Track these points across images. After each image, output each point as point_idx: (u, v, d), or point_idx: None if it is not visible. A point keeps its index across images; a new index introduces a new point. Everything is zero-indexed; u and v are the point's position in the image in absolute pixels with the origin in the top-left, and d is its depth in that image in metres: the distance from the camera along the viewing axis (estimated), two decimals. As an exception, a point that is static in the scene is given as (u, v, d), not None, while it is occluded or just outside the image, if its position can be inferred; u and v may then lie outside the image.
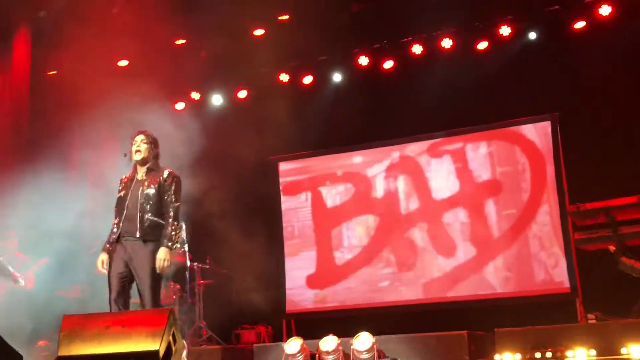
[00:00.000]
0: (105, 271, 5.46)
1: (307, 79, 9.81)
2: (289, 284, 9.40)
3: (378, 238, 9.08)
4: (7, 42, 9.34)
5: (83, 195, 8.63)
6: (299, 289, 9.35)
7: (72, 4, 8.88)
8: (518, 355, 6.25)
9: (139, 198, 5.46)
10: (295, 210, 9.65)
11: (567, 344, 6.15)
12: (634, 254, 6.69)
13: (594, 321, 6.81)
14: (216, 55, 9.84)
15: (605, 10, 8.26)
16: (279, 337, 8.80)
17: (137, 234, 5.37)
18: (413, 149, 9.17)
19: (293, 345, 6.90)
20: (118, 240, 5.46)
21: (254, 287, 9.24)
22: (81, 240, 8.15)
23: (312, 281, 9.31)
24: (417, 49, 9.17)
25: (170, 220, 5.44)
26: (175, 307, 8.39)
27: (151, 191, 5.48)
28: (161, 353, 3.87)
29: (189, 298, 8.83)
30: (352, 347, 6.71)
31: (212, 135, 9.50)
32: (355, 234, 9.23)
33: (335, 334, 6.93)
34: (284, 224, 9.64)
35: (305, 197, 9.64)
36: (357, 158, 9.44)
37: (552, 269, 8.21)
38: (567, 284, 8.06)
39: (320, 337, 6.96)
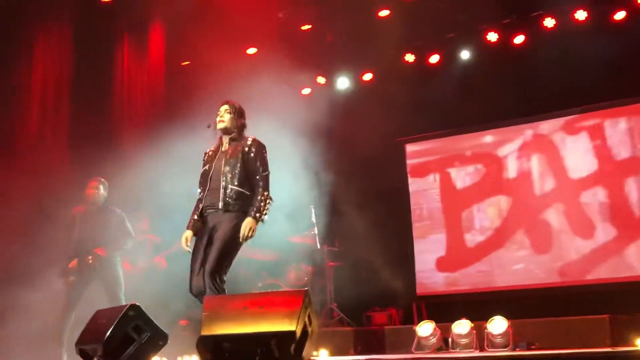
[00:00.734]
0: (189, 249, 5.27)
1: (434, 58, 9.67)
2: (418, 266, 9.35)
3: (511, 220, 8.86)
4: (144, 35, 9.79)
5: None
6: (429, 272, 9.29)
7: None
8: (665, 342, 5.93)
9: (222, 169, 5.26)
10: (424, 192, 9.58)
11: None
12: None
13: None
14: (341, 38, 9.90)
15: None
16: (410, 319, 8.78)
17: (220, 205, 5.18)
18: (547, 126, 8.86)
19: (425, 328, 6.87)
20: (202, 214, 5.31)
21: (383, 269, 9.28)
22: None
23: (443, 264, 9.22)
24: (549, 22, 8.83)
25: (260, 190, 5.22)
26: (307, 288, 8.55)
27: (234, 161, 5.27)
28: (298, 334, 3.95)
29: (320, 280, 8.98)
30: (486, 331, 6.60)
31: (338, 118, 9.60)
32: (486, 215, 9.05)
33: (467, 317, 6.84)
34: (412, 207, 9.59)
35: (433, 179, 9.55)
36: (487, 137, 9.24)
37: (702, 250, 7.73)
38: None
39: (451, 320, 6.89)
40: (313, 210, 8.98)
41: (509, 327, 6.53)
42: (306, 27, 9.92)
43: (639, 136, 8.32)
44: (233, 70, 8.87)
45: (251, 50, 9.99)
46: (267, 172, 5.32)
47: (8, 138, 8.45)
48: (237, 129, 5.43)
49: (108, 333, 4.52)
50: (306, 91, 10.41)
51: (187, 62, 10.08)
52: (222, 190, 5.20)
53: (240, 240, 5.08)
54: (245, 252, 8.76)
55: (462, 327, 6.74)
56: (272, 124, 8.79)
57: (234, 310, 4.12)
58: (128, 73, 9.66)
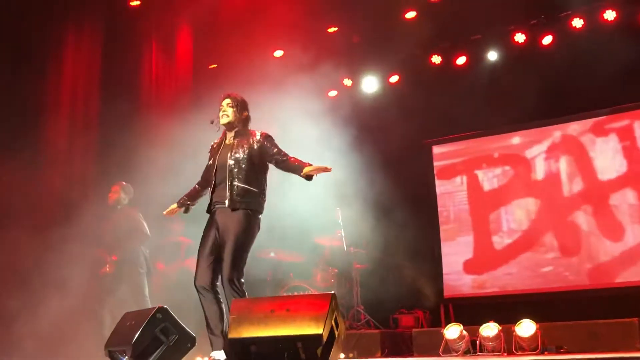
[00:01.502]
0: (164, 213, 5.52)
1: (461, 60, 9.61)
2: (445, 269, 9.30)
3: (539, 222, 8.78)
4: (172, 38, 9.86)
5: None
6: (456, 274, 9.23)
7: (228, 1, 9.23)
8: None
9: (227, 163, 5.15)
10: (451, 194, 9.52)
11: None
12: None
13: None
14: (368, 40, 9.89)
15: None
16: (437, 322, 8.74)
17: (226, 203, 5.07)
18: (575, 128, 8.77)
19: (453, 331, 6.83)
20: (210, 210, 5.23)
21: (410, 271, 9.26)
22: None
23: (470, 266, 9.16)
24: (577, 22, 8.73)
25: (290, 156, 5.17)
26: (333, 291, 8.55)
27: (240, 155, 5.16)
28: (324, 337, 3.95)
29: (346, 282, 8.97)
30: (514, 334, 6.54)
31: (365, 120, 9.58)
32: (514, 217, 8.97)
33: (495, 320, 6.78)
34: (439, 209, 9.54)
35: (460, 181, 9.49)
36: (515, 139, 9.16)
37: None
38: None
39: (479, 323, 6.84)
40: (340, 212, 8.97)
41: (537, 330, 6.47)
42: (332, 29, 9.91)
43: (669, 137, 8.20)
44: (260, 73, 8.90)
45: (278, 53, 10.01)
46: (284, 152, 5.22)
47: (38, 139, 8.56)
48: (241, 123, 5.32)
49: (136, 335, 4.55)
50: (332, 93, 10.41)
51: (215, 65, 10.12)
52: (228, 187, 5.10)
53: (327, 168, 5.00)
54: (272, 254, 8.87)
55: (490, 330, 6.69)
56: (298, 127, 8.82)
57: (261, 313, 4.13)
58: (156, 76, 9.73)
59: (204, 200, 5.39)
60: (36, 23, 8.47)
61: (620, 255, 8.22)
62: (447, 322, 7.87)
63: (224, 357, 4.78)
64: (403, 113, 9.47)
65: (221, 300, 5.05)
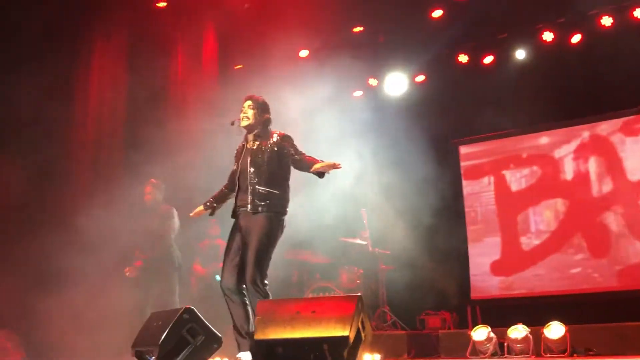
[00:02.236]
0: (190, 214, 5.57)
1: (488, 59, 9.53)
2: (472, 270, 9.25)
3: (568, 223, 8.69)
4: (197, 39, 9.92)
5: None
6: (484, 276, 9.18)
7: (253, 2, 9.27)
8: None
9: (248, 168, 5.19)
10: (478, 194, 9.47)
11: None
12: None
13: None
14: (394, 39, 9.85)
15: None
16: (464, 323, 8.69)
17: (249, 207, 5.11)
18: (605, 127, 8.67)
19: (480, 332, 6.78)
20: (234, 215, 5.28)
21: (437, 272, 9.21)
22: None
23: (498, 267, 9.10)
24: (606, 20, 8.63)
25: (305, 155, 5.22)
26: (359, 292, 8.56)
27: (260, 160, 5.19)
28: (351, 339, 3.94)
29: (372, 283, 8.96)
30: (542, 336, 6.49)
31: (391, 120, 9.56)
32: (542, 218, 8.89)
33: (523, 322, 6.73)
34: (466, 209, 9.49)
35: (488, 181, 9.43)
36: (543, 139, 9.08)
37: None
38: None
39: (507, 325, 6.79)
40: (365, 213, 8.96)
41: (566, 332, 6.41)
42: (358, 28, 9.90)
43: (702, 136, 8.08)
44: (285, 73, 8.92)
45: (303, 53, 10.03)
46: (300, 151, 5.25)
47: (65, 142, 8.67)
48: (261, 125, 5.33)
49: (163, 336, 4.59)
50: (358, 93, 10.40)
51: (240, 66, 10.16)
52: (250, 191, 5.14)
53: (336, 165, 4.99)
54: (298, 255, 8.89)
55: (518, 332, 6.63)
56: (323, 127, 8.83)
57: (286, 315, 4.14)
58: (181, 77, 9.80)
59: (231, 202, 5.42)
60: (61, 27, 8.57)
61: (651, 257, 8.12)
62: (474, 324, 7.82)
63: (250, 358, 4.80)
64: (429, 113, 9.45)
65: (247, 301, 5.08)
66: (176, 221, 7.66)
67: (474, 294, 9.14)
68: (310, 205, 8.69)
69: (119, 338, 6.97)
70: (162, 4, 9.35)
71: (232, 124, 5.36)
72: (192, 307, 4.82)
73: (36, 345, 7.34)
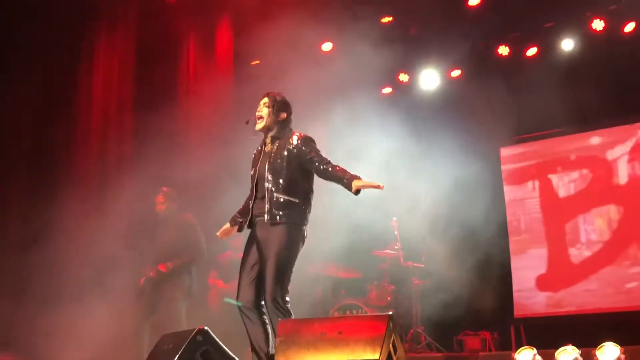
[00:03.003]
0: (218, 234, 5.47)
1: (531, 51, 9.49)
2: (516, 285, 9.20)
3: (623, 232, 8.62)
4: (211, 34, 9.97)
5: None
6: (528, 291, 9.12)
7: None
8: None
9: (266, 174, 5.13)
10: (522, 201, 9.42)
11: None
12: None
13: None
14: (426, 31, 9.83)
15: None
16: (507, 345, 8.65)
17: (266, 217, 5.05)
18: (663, 125, 8.61)
19: (525, 355, 6.70)
20: (250, 225, 5.23)
21: (476, 288, 9.15)
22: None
23: (544, 282, 9.04)
24: (664, 6, 8.56)
25: (334, 164, 5.06)
26: (390, 310, 8.54)
27: (277, 165, 5.12)
28: (381, 363, 3.93)
29: (404, 300, 8.93)
30: (595, 358, 6.41)
31: (423, 120, 9.55)
32: (594, 227, 8.82)
33: (573, 343, 6.66)
34: (509, 218, 9.44)
35: (532, 187, 9.39)
36: (594, 139, 9.02)
37: None
38: None
39: (554, 346, 6.71)
40: (396, 223, 8.93)
41: (621, 354, 6.32)
42: (387, 19, 9.89)
43: None
44: (307, 68, 8.93)
45: (326, 46, 10.03)
46: (328, 159, 5.11)
47: (71, 139, 8.77)
48: (278, 125, 5.27)
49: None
50: (387, 90, 10.39)
51: (257, 62, 10.19)
52: (267, 199, 5.08)
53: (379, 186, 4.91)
54: (322, 269, 8.88)
55: (567, 354, 6.55)
56: (349, 128, 8.83)
57: (310, 336, 4.13)
58: (194, 74, 9.85)
59: None
60: (68, 20, 8.68)
61: None
62: (518, 345, 7.74)
63: None
64: (466, 111, 9.41)
65: (266, 320, 5.07)
66: (200, 234, 7.64)
67: (517, 312, 9.08)
68: (334, 214, 8.68)
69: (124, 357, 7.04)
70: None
71: (247, 122, 5.32)
72: (206, 327, 4.82)
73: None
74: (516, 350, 6.91)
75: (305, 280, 7.74)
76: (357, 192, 4.95)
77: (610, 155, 8.87)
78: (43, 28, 8.47)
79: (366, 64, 8.79)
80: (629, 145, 8.78)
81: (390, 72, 9.94)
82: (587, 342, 6.64)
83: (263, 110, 5.25)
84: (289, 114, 5.36)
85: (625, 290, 8.49)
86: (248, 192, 5.44)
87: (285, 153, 5.16)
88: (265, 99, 5.30)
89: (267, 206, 5.08)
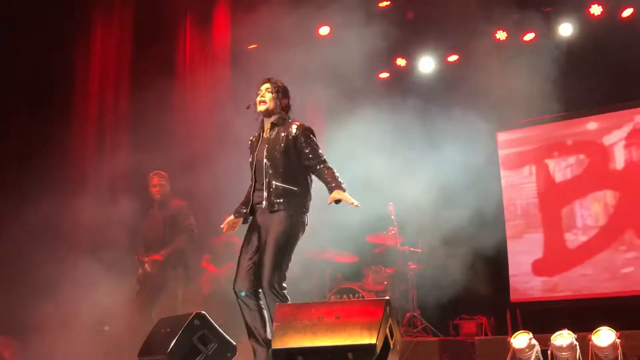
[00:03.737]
0: (226, 232, 5.39)
1: (529, 36, 9.46)
2: (512, 270, 9.23)
3: (619, 217, 8.64)
4: (208, 17, 9.93)
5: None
6: (524, 276, 9.15)
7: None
8: None
9: (264, 160, 5.11)
10: (518, 186, 9.43)
11: None
12: None
13: None
14: (424, 15, 9.79)
15: None
16: (503, 329, 8.68)
17: (265, 204, 5.05)
18: (660, 111, 8.60)
19: (521, 339, 6.72)
20: (251, 212, 5.21)
21: (473, 272, 9.16)
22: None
23: (540, 267, 9.07)
24: (662, -8, 8.54)
25: (327, 166, 5.06)
26: (387, 294, 8.56)
27: (277, 152, 5.09)
28: (378, 347, 3.93)
29: (401, 284, 8.94)
30: (590, 343, 6.44)
31: (420, 105, 9.52)
32: (590, 212, 8.84)
33: (569, 327, 6.68)
34: (505, 203, 9.46)
35: (529, 171, 9.39)
36: (591, 124, 9.03)
37: None
38: None
39: (550, 331, 6.73)
40: (393, 208, 8.93)
41: (616, 339, 6.34)
42: (384, 3, 9.85)
43: None
44: (304, 53, 8.90)
45: (324, 30, 9.99)
46: (323, 158, 5.11)
47: (67, 127, 8.74)
48: (279, 111, 5.23)
49: (172, 344, 4.59)
50: (384, 75, 10.35)
51: (254, 45, 10.15)
52: (266, 187, 5.07)
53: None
54: (318, 254, 8.89)
55: (563, 338, 6.57)
56: (346, 112, 8.82)
57: (307, 321, 4.13)
58: (190, 59, 9.82)
59: None
60: (63, 3, 8.64)
61: None
62: (514, 330, 7.79)
63: None
64: (463, 96, 9.39)
65: (262, 306, 5.07)
66: (192, 219, 7.63)
67: (513, 297, 9.12)
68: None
69: (119, 343, 7.04)
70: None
71: (248, 107, 5.27)
72: (203, 312, 4.83)
73: (34, 352, 7.41)
74: (512, 334, 6.94)
75: (302, 265, 7.75)
76: (337, 201, 4.97)
77: (607, 140, 8.88)
78: (39, 8, 8.41)
79: (363, 48, 8.76)
80: (625, 130, 8.78)
81: (387, 56, 9.91)
82: (583, 327, 6.68)
83: (266, 95, 5.20)
84: (289, 99, 5.33)
85: (621, 275, 8.53)
86: (242, 174, 5.44)
87: (284, 141, 5.11)
88: (267, 84, 5.25)
89: (265, 194, 5.06)
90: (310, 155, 5.10)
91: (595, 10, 8.94)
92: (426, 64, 10.15)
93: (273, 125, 5.24)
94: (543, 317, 8.51)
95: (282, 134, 5.15)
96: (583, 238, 8.85)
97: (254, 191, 5.21)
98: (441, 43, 9.96)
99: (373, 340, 3.91)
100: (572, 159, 9.10)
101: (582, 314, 8.09)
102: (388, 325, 4.08)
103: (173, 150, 8.42)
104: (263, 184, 5.10)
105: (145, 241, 7.54)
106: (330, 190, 4.98)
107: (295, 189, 5.09)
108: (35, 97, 8.48)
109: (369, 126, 8.61)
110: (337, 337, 4.01)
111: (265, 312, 5.06)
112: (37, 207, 7.74)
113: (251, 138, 5.41)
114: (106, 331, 7.50)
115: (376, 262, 9.04)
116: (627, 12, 8.82)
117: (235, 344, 4.90)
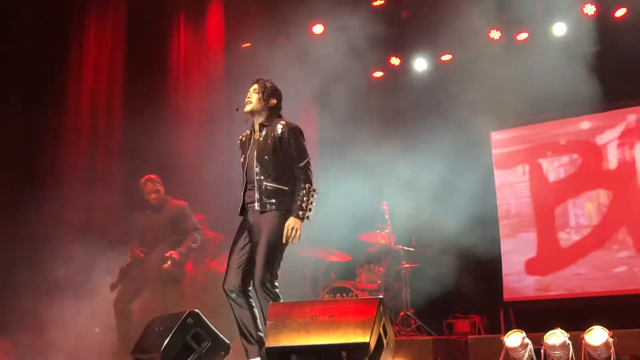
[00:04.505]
0: None
1: (522, 35, 9.48)
2: (505, 269, 9.24)
3: (612, 216, 8.66)
4: (202, 16, 9.91)
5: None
6: (518, 275, 9.16)
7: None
8: None
9: (254, 161, 5.09)
10: (511, 185, 9.44)
11: None
12: None
13: None
14: (418, 14, 9.79)
15: None
16: (496, 328, 8.70)
17: (257, 205, 5.03)
18: (653, 110, 8.62)
19: (514, 338, 6.72)
20: (243, 211, 5.19)
21: (466, 271, 9.18)
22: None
23: (533, 266, 9.08)
24: (656, -8, 8.56)
25: (301, 183, 5.01)
26: (380, 293, 8.57)
27: (265, 152, 5.07)
28: (372, 345, 3.93)
29: (394, 283, 8.95)
30: (583, 342, 6.45)
31: (415, 104, 9.52)
32: (583, 212, 8.86)
33: (561, 327, 6.69)
34: (499, 202, 9.47)
35: (522, 171, 9.41)
36: (584, 124, 9.04)
37: None
38: None
39: (543, 329, 6.74)
40: (387, 207, 8.94)
41: (609, 338, 6.36)
42: (378, 2, 9.84)
43: None
44: (298, 51, 8.90)
45: (318, 29, 9.98)
46: (305, 160, 5.08)
47: (59, 124, 8.71)
48: (267, 112, 5.20)
49: (165, 342, 4.59)
50: (378, 74, 10.36)
51: (248, 44, 10.14)
52: (257, 188, 5.05)
53: (284, 242, 4.95)
54: (311, 253, 8.89)
55: (556, 337, 6.58)
56: (340, 111, 8.82)
57: (301, 319, 4.13)
58: (184, 57, 9.79)
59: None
60: (56, 1, 8.62)
61: None
62: (507, 329, 7.80)
63: None
64: (457, 95, 9.39)
65: (253, 304, 5.06)
66: (195, 219, 7.64)
67: (506, 296, 9.13)
68: (325, 197, 8.64)
69: (112, 341, 7.04)
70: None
71: (237, 109, 5.27)
72: (197, 310, 4.82)
73: (28, 350, 7.40)
74: (505, 333, 6.95)
75: (296, 264, 7.75)
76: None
77: (600, 140, 8.89)
78: (33, 7, 8.38)
79: (357, 47, 8.76)
80: (618, 130, 8.80)
81: (381, 55, 9.92)
82: (576, 326, 6.68)
83: (252, 96, 5.19)
84: (279, 100, 5.30)
85: (613, 274, 8.54)
86: (234, 173, 5.45)
87: (272, 142, 5.10)
88: (255, 85, 5.24)
89: (257, 195, 5.06)
90: (295, 155, 5.09)
91: (589, 10, 8.95)
92: (420, 63, 10.16)
93: (262, 126, 5.22)
94: (536, 316, 8.53)
95: (270, 134, 5.13)
96: (576, 237, 8.87)
97: (245, 191, 5.20)
98: (435, 42, 9.94)
99: (367, 339, 3.91)
100: (565, 159, 9.11)
101: (575, 313, 8.11)
102: (382, 324, 4.08)
103: (166, 148, 8.41)
104: (254, 184, 5.09)
105: (144, 240, 7.53)
106: (293, 210, 4.99)
107: (286, 188, 5.08)
108: (30, 94, 8.43)
109: (362, 125, 8.62)
110: (331, 335, 4.01)
111: (256, 311, 5.05)
112: (29, 202, 7.73)
113: (240, 137, 5.40)
114: (96, 333, 7.47)
115: (370, 260, 9.05)
116: (620, 12, 8.84)
117: (228, 342, 4.90)
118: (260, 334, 4.93)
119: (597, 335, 6.38)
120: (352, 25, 8.97)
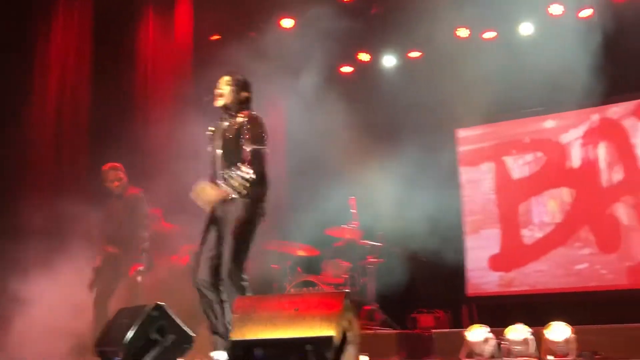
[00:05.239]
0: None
1: (490, 34, 9.53)
2: (469, 264, 9.30)
3: (574, 214, 8.75)
4: (170, 7, 9.82)
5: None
6: (481, 271, 9.23)
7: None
8: None
9: (220, 151, 5.16)
10: (476, 182, 9.50)
11: None
12: None
13: None
14: (387, 10, 9.79)
15: None
16: (459, 323, 8.73)
17: None
18: (616, 110, 8.72)
19: (477, 333, 6.77)
20: None
21: (430, 267, 9.22)
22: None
23: (496, 262, 9.15)
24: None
25: (247, 164, 4.97)
26: (346, 287, 8.57)
27: (231, 144, 5.12)
28: (337, 339, 3.93)
29: (360, 278, 8.96)
30: (544, 337, 6.51)
31: (383, 100, 9.53)
32: (546, 209, 8.94)
33: (523, 322, 6.75)
34: (464, 198, 9.52)
35: (487, 168, 9.47)
36: (548, 122, 9.12)
37: None
38: None
39: (505, 325, 6.78)
40: (354, 201, 8.94)
41: (571, 334, 6.42)
42: (349, -3, 9.84)
43: None
44: (267, 45, 8.85)
45: (287, 23, 9.94)
46: (259, 148, 5.05)
47: (25, 118, 8.59)
48: (237, 105, 5.23)
49: (129, 334, 4.54)
50: (347, 69, 10.35)
51: (217, 37, 10.07)
52: (222, 177, 5.06)
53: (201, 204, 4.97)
54: (278, 247, 8.86)
55: (517, 332, 6.63)
56: (307, 105, 8.80)
57: (266, 313, 4.11)
58: (153, 49, 9.70)
59: None
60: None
61: (664, 253, 8.20)
62: (471, 324, 7.84)
63: (226, 357, 4.78)
64: (424, 92, 9.40)
65: (223, 297, 5.04)
66: (147, 209, 7.57)
67: (470, 291, 9.19)
68: (292, 192, 8.65)
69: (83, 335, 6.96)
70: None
71: (205, 100, 5.28)
72: (162, 303, 4.78)
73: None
74: (468, 327, 6.99)
75: (262, 258, 7.73)
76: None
77: (564, 138, 8.98)
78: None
79: (327, 41, 8.74)
80: (582, 129, 8.89)
81: (351, 51, 9.91)
82: (539, 322, 6.73)
83: (224, 88, 5.21)
84: (250, 93, 5.31)
85: (575, 271, 8.64)
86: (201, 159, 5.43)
87: (235, 132, 5.12)
88: (227, 77, 5.25)
89: (223, 185, 5.05)
90: (248, 136, 5.07)
91: (555, 9, 9.02)
92: (389, 60, 10.17)
93: (229, 117, 5.24)
94: (499, 311, 8.59)
95: (235, 126, 5.15)
96: (539, 234, 8.95)
97: (211, 182, 5.18)
98: (403, 39, 9.97)
99: (332, 332, 3.90)
100: (529, 157, 9.19)
101: (537, 308, 8.19)
102: (347, 318, 4.08)
103: (133, 141, 8.32)
104: (221, 174, 5.08)
105: (105, 232, 7.45)
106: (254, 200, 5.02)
107: (253, 177, 5.03)
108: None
109: (330, 119, 8.61)
110: (296, 329, 3.99)
111: (226, 304, 5.03)
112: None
113: (210, 128, 5.39)
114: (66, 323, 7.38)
115: (336, 255, 9.04)
116: (586, 13, 8.91)
117: (193, 335, 4.86)
118: (228, 327, 4.91)
119: (558, 331, 6.44)
120: (321, 20, 8.95)
